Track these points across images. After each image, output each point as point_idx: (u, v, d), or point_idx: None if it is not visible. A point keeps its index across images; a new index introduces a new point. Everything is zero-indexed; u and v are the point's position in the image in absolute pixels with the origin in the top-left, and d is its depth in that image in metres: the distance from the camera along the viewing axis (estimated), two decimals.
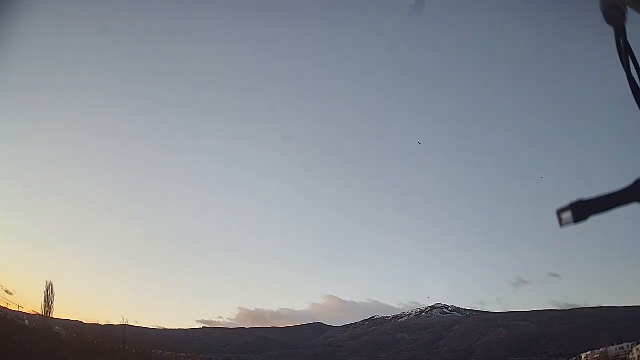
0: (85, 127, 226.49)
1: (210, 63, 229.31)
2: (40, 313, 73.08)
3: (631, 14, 1.89)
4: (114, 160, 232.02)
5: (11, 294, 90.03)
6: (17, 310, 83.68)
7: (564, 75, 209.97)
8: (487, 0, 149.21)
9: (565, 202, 1.72)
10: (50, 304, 71.65)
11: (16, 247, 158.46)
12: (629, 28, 1.88)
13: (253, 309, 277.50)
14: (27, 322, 76.95)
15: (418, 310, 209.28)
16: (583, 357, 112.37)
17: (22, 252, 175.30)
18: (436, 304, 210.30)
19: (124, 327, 75.22)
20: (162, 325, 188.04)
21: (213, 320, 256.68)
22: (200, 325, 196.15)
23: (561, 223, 1.72)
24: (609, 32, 1.89)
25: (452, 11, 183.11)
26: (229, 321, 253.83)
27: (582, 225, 1.72)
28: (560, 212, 1.73)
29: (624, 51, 1.88)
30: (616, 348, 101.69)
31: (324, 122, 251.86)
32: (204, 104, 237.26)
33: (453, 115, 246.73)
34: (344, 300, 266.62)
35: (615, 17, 1.88)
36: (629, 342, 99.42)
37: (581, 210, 1.70)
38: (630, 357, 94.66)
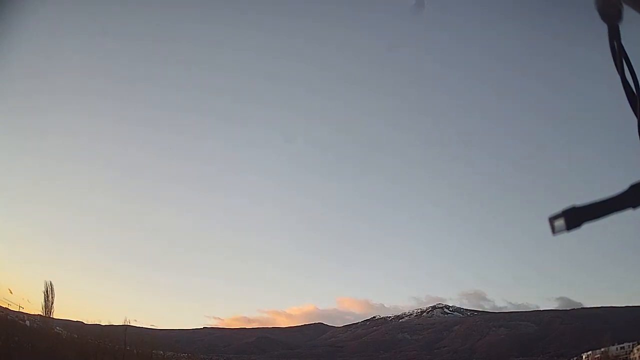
0: (86, 129, 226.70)
1: (211, 64, 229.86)
2: (41, 313, 73.17)
3: (628, 11, 1.85)
4: (115, 161, 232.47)
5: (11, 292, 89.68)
6: (17, 310, 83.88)
7: (564, 78, 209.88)
8: (486, 2, 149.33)
9: (558, 209, 1.65)
10: (50, 304, 71.67)
11: (17, 248, 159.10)
12: (625, 27, 1.83)
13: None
14: (27, 322, 77.07)
15: (419, 310, 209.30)
16: (584, 357, 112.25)
17: (23, 252, 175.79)
18: (437, 303, 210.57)
19: (125, 327, 75.31)
20: (163, 326, 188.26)
21: (214, 320, 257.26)
22: (201, 326, 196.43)
23: (554, 231, 1.65)
24: (607, 32, 1.86)
25: (452, 12, 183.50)
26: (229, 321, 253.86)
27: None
28: (552, 219, 1.66)
29: (618, 54, 1.84)
30: (617, 348, 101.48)
31: (324, 123, 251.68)
32: (205, 105, 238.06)
33: (453, 116, 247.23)
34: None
35: (610, 15, 1.84)
36: (629, 342, 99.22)
37: (574, 217, 1.64)
38: (631, 357, 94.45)
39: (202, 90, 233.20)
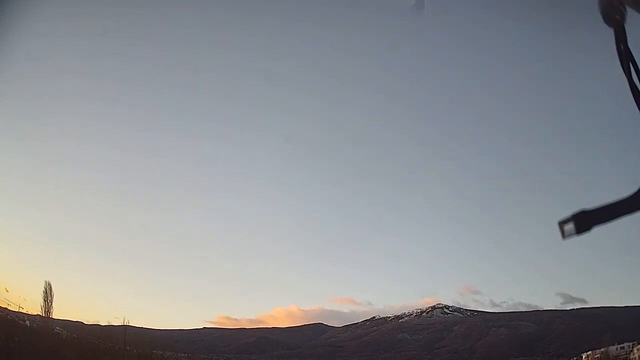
0: (85, 131, 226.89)
1: (211, 65, 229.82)
2: (41, 313, 73.09)
3: (631, 14, 1.84)
4: (114, 162, 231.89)
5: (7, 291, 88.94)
6: (17, 310, 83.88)
7: (567, 80, 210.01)
8: (487, 3, 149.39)
9: (568, 212, 1.64)
10: (49, 304, 71.58)
11: (17, 248, 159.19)
12: (629, 29, 1.83)
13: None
14: (27, 322, 77.07)
15: (419, 311, 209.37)
16: (584, 356, 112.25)
17: (23, 252, 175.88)
18: (437, 304, 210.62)
19: (125, 328, 75.29)
20: (162, 326, 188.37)
21: (214, 320, 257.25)
22: (201, 326, 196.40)
23: (563, 235, 1.65)
24: (610, 33, 1.85)
25: (453, 13, 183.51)
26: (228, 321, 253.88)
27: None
28: (562, 223, 1.66)
29: (625, 56, 1.84)
30: (617, 348, 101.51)
31: (322, 122, 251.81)
32: (204, 106, 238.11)
33: (453, 118, 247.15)
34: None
35: (614, 18, 1.83)
36: (629, 341, 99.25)
37: (584, 221, 1.64)
38: (631, 357, 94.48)
39: (201, 91, 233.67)
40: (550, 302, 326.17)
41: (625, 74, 1.83)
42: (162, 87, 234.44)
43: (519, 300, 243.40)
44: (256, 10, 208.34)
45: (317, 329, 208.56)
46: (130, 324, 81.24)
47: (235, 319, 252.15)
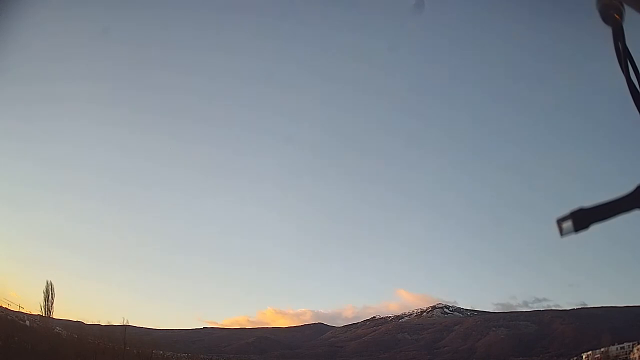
0: (86, 133, 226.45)
1: (210, 67, 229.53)
2: (41, 313, 73.13)
3: (629, 12, 1.84)
4: (114, 164, 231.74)
5: None
6: (17, 310, 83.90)
7: (564, 79, 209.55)
8: (487, 3, 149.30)
9: (565, 210, 1.65)
10: (50, 303, 71.65)
11: (17, 248, 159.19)
12: (627, 28, 1.82)
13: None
14: (27, 322, 77.10)
15: (419, 310, 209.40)
16: (584, 357, 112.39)
17: (23, 253, 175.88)
18: (437, 304, 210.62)
19: (125, 328, 75.32)
20: (162, 326, 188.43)
21: (214, 320, 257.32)
22: (201, 326, 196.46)
23: (561, 232, 1.67)
24: (609, 32, 1.85)
25: (453, 13, 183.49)
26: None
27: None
28: (560, 221, 1.67)
29: (623, 55, 1.84)
30: (617, 348, 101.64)
31: (324, 123, 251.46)
32: (202, 107, 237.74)
33: (453, 119, 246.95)
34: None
35: (612, 17, 1.83)
36: (630, 342, 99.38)
37: (582, 219, 1.65)
38: (631, 357, 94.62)
39: (201, 93, 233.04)
40: (549, 294, 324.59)
41: (624, 73, 1.83)
42: (162, 89, 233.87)
43: (515, 293, 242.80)
44: (255, 11, 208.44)
45: (317, 329, 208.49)
46: (130, 324, 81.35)
47: (234, 319, 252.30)
